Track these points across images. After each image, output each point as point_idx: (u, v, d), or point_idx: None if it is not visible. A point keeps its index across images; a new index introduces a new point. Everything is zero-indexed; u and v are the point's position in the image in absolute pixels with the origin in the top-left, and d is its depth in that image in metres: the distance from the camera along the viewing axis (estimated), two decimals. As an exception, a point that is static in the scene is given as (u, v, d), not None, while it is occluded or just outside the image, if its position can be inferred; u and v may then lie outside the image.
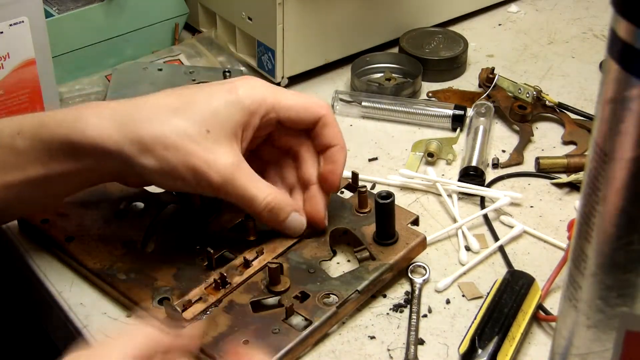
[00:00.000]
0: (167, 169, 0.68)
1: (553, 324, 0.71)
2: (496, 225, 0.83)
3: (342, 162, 0.74)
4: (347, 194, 0.82)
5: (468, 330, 0.69)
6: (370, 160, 0.92)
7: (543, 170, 0.89)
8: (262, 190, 0.70)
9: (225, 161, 0.68)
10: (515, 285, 0.72)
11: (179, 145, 0.67)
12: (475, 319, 0.70)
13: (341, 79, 1.05)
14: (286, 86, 1.02)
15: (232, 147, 0.69)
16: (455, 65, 1.05)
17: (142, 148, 0.67)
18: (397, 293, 0.75)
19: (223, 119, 0.68)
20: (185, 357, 0.58)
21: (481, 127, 0.92)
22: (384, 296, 0.75)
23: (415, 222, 0.78)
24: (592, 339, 0.54)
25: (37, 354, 0.75)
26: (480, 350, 0.66)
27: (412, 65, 1.03)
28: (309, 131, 0.74)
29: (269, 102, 0.71)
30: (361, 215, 0.78)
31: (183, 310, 0.69)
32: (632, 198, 0.48)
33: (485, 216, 0.83)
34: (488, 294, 0.72)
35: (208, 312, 0.70)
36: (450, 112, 0.95)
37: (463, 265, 0.78)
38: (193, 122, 0.68)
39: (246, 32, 1.03)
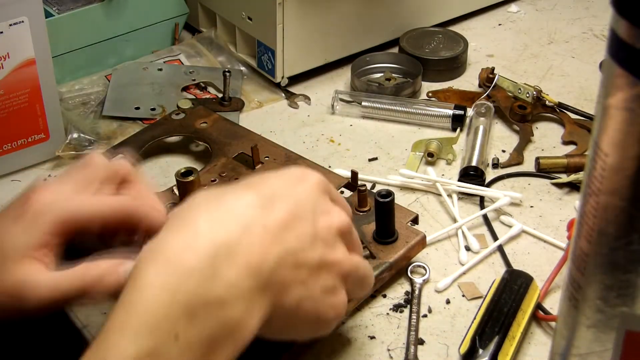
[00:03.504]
0: None
1: (553, 323, 0.71)
2: (496, 225, 0.83)
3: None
4: (347, 193, 0.82)
5: (468, 330, 0.69)
6: (370, 160, 0.92)
7: (543, 170, 0.89)
8: (74, 279, 0.63)
9: (25, 284, 0.62)
10: (514, 285, 0.72)
11: None
12: (475, 318, 0.70)
13: (341, 79, 1.05)
14: (286, 86, 1.02)
15: (28, 267, 0.63)
16: (455, 65, 1.05)
17: None
18: (397, 293, 0.75)
19: (9, 247, 0.63)
20: None
21: (481, 127, 0.92)
22: (384, 296, 0.75)
23: (415, 220, 0.79)
24: (592, 339, 0.54)
25: (37, 353, 0.75)
26: (481, 350, 0.66)
27: (412, 65, 1.03)
28: None
29: (63, 219, 0.64)
30: (361, 213, 0.79)
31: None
32: (632, 198, 0.48)
33: (485, 216, 0.83)
34: (487, 293, 0.72)
35: (208, 312, 0.70)
36: (450, 112, 0.96)
37: (463, 265, 0.78)
38: None
39: (246, 32, 1.04)
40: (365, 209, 0.79)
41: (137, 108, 0.97)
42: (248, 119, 0.98)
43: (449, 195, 0.86)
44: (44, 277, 0.64)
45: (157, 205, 0.68)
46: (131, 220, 0.66)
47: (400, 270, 0.76)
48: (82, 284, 0.64)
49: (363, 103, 0.98)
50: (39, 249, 0.64)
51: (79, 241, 0.66)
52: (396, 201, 0.76)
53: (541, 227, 0.82)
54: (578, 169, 0.88)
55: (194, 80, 1.02)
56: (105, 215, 0.65)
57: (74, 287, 0.64)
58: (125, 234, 0.68)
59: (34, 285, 0.63)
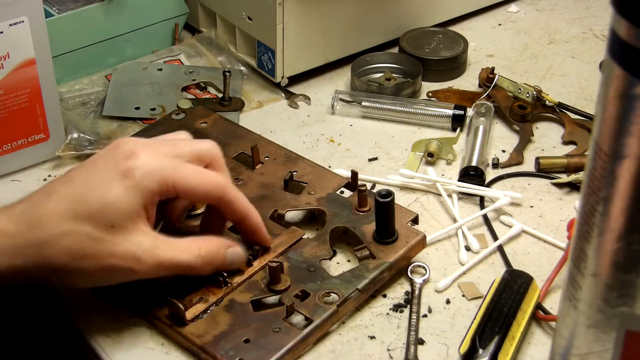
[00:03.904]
0: (92, 278, 0.65)
1: (553, 323, 0.71)
2: (496, 225, 0.83)
3: (258, 227, 0.72)
4: (347, 193, 0.82)
5: (468, 330, 0.69)
6: (370, 160, 0.92)
7: (543, 170, 0.89)
8: (190, 252, 0.67)
9: (142, 249, 0.64)
10: (514, 285, 0.72)
11: (90, 253, 0.63)
12: (474, 318, 0.70)
13: (341, 79, 1.05)
14: (286, 86, 1.02)
15: (142, 230, 0.65)
16: (455, 65, 1.05)
17: (51, 269, 0.63)
18: (397, 293, 0.75)
19: (124, 208, 0.64)
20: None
21: (481, 127, 0.92)
22: (384, 296, 0.75)
23: (415, 220, 0.79)
24: (592, 339, 0.54)
25: (37, 353, 0.76)
26: (481, 350, 0.66)
27: (412, 65, 1.03)
28: None
29: (169, 181, 0.66)
30: (361, 214, 0.79)
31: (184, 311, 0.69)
32: (632, 198, 0.48)
33: (485, 216, 0.83)
34: (487, 293, 0.72)
35: (209, 312, 0.70)
36: (450, 112, 0.96)
37: (463, 265, 0.78)
38: (95, 223, 0.63)
39: (246, 32, 1.03)
40: (365, 209, 0.79)
41: (137, 108, 0.97)
42: (248, 119, 0.98)
43: (449, 195, 0.86)
44: (160, 241, 0.66)
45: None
46: (220, 201, 0.68)
47: (400, 270, 0.76)
48: (195, 259, 0.67)
49: (363, 103, 0.98)
50: (150, 207, 0.65)
51: None
52: (396, 201, 0.76)
53: (541, 227, 0.82)
54: (578, 169, 0.88)
55: (194, 80, 1.02)
56: (204, 190, 0.67)
57: (188, 260, 0.66)
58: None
59: (151, 248, 0.65)
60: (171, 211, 0.71)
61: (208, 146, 0.70)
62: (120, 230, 0.63)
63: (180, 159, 0.67)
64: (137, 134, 0.91)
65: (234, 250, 0.70)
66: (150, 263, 0.64)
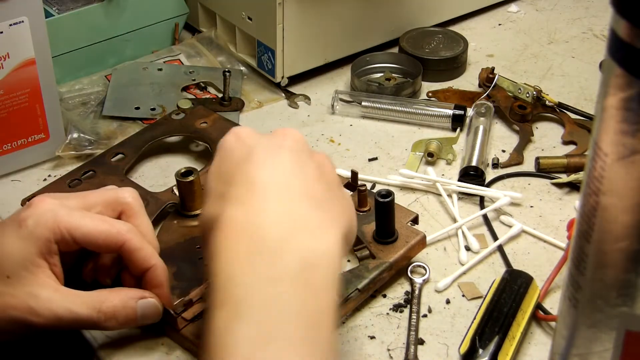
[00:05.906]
0: None
1: (553, 323, 0.71)
2: (496, 225, 0.83)
3: (164, 282, 0.67)
4: (347, 193, 0.82)
5: (468, 330, 0.69)
6: (370, 160, 0.92)
7: (543, 170, 0.89)
8: (89, 306, 0.64)
9: (38, 301, 0.62)
10: (514, 285, 0.72)
11: None
12: (474, 318, 0.70)
13: (341, 79, 1.05)
14: (286, 86, 1.02)
15: (41, 280, 0.63)
16: (455, 65, 1.05)
17: None
18: (397, 293, 0.75)
19: (19, 258, 0.62)
20: None
21: (481, 127, 0.92)
22: (384, 296, 0.75)
23: (415, 220, 0.79)
24: (592, 339, 0.54)
25: (37, 353, 0.76)
26: (481, 350, 0.66)
27: (412, 65, 1.03)
28: None
29: (62, 226, 0.63)
30: (361, 213, 0.79)
31: (183, 311, 0.69)
32: (631, 198, 0.48)
33: (485, 216, 0.83)
34: (487, 293, 0.72)
35: (208, 312, 0.70)
36: (450, 112, 0.96)
37: (463, 265, 0.78)
38: None
39: (246, 32, 1.03)
40: (365, 209, 0.79)
41: (137, 108, 0.97)
42: (248, 119, 0.98)
43: (449, 195, 0.86)
44: (58, 294, 0.63)
45: (152, 242, 0.68)
46: (121, 250, 0.66)
47: (400, 270, 0.76)
48: (96, 313, 0.64)
49: (363, 103, 0.98)
50: (49, 256, 0.63)
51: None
52: (396, 201, 0.76)
53: (541, 227, 0.82)
54: (578, 169, 0.88)
55: (194, 80, 1.02)
56: (102, 237, 0.65)
57: (87, 314, 0.63)
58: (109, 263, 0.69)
59: (47, 300, 0.62)
60: (67, 261, 0.67)
61: (121, 194, 0.68)
62: (15, 280, 0.62)
63: (88, 210, 0.66)
64: (137, 134, 0.91)
65: (145, 302, 0.66)
66: (46, 315, 0.62)
